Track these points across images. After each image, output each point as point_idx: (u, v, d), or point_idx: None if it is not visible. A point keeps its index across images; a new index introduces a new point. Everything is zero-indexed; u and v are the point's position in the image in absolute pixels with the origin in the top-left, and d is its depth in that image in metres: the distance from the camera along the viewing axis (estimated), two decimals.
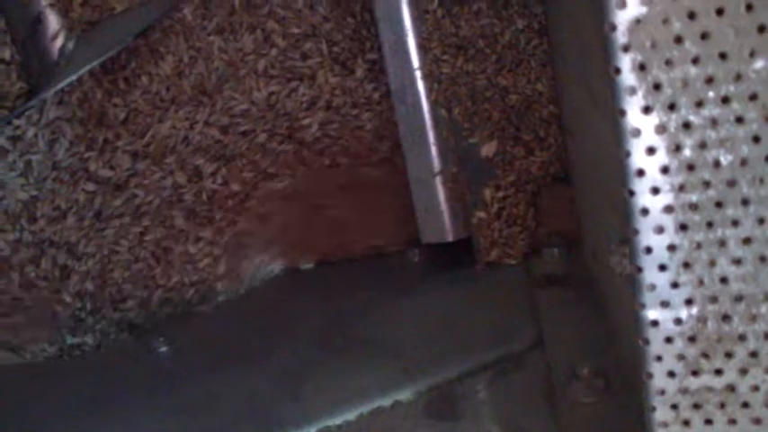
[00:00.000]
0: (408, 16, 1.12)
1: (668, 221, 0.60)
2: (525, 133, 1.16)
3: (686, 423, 0.65)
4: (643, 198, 0.60)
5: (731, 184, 0.59)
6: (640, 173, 0.60)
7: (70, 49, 1.15)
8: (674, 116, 0.58)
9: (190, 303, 1.29)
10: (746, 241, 0.60)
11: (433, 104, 1.16)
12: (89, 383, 1.14)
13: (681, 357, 0.63)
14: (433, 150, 1.18)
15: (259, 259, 1.33)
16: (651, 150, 0.59)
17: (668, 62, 0.57)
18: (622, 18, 0.57)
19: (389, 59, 1.15)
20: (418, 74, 1.15)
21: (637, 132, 0.59)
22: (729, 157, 0.58)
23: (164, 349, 1.19)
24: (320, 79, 1.25)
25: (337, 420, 0.94)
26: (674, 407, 0.64)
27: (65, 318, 1.24)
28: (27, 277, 1.22)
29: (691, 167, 0.59)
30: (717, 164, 0.58)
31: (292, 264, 1.35)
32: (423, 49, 1.14)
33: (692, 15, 0.56)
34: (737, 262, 0.60)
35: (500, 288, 1.15)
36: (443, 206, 1.21)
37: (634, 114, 0.58)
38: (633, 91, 0.58)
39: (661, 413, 0.65)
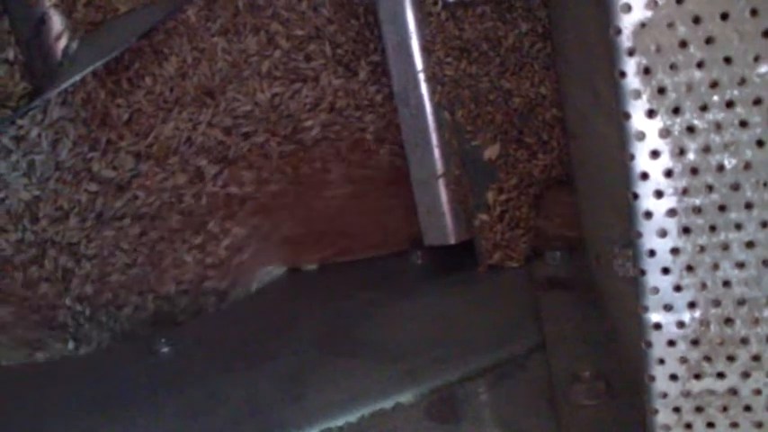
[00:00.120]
0: (412, 18, 1.13)
1: (672, 225, 0.60)
2: (528, 136, 1.16)
3: (688, 426, 0.64)
4: (647, 201, 0.60)
5: (735, 187, 0.59)
6: (644, 176, 0.60)
7: (74, 50, 1.16)
8: (678, 120, 0.58)
9: (184, 311, 1.29)
10: (749, 245, 0.60)
11: (436, 107, 1.16)
12: (90, 384, 1.15)
13: (683, 360, 0.63)
14: (436, 153, 1.18)
15: (260, 261, 1.33)
16: (655, 154, 0.59)
17: (673, 66, 0.57)
18: (627, 22, 0.57)
19: (393, 62, 1.16)
20: (421, 76, 1.15)
21: (641, 135, 0.59)
22: (733, 161, 0.58)
23: (165, 350, 1.19)
24: (323, 81, 1.25)
25: (338, 422, 0.93)
26: (677, 410, 0.64)
27: (65, 320, 1.24)
28: (31, 277, 1.22)
29: (694, 171, 0.59)
30: (720, 168, 0.59)
31: (294, 265, 1.35)
32: (426, 51, 1.14)
33: (696, 20, 0.56)
34: (740, 265, 0.60)
35: (502, 290, 1.15)
36: (446, 208, 1.21)
37: (638, 118, 0.58)
38: (638, 94, 0.58)
39: (663, 416, 0.65)
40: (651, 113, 0.58)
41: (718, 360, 0.62)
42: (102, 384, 1.14)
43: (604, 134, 0.73)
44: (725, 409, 0.63)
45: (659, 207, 0.60)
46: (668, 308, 0.62)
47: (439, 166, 1.19)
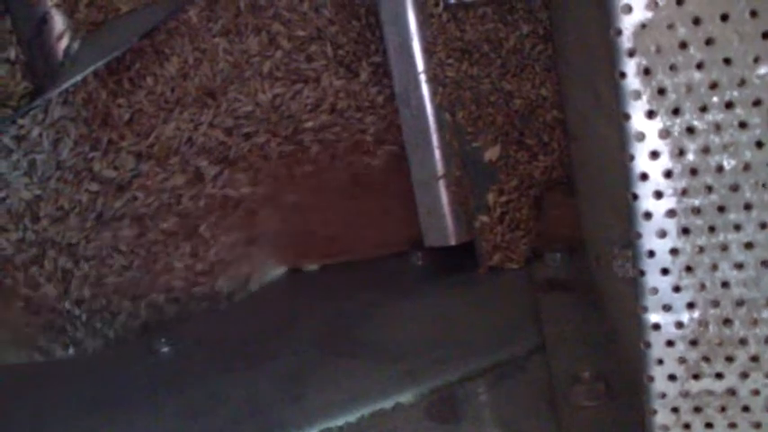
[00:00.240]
0: (413, 20, 1.13)
1: (671, 225, 0.60)
2: (529, 138, 1.16)
3: (687, 426, 0.65)
4: (646, 202, 0.60)
5: (734, 188, 0.59)
6: (644, 177, 0.60)
7: (75, 50, 1.16)
8: (678, 121, 0.58)
9: (178, 314, 1.29)
10: (748, 246, 0.60)
11: (438, 108, 1.16)
12: (90, 383, 1.15)
13: (682, 361, 0.63)
14: (437, 154, 1.18)
15: (260, 262, 1.33)
16: (655, 154, 0.59)
17: (673, 67, 0.57)
18: (628, 23, 0.57)
19: (394, 63, 1.16)
20: (423, 77, 1.15)
21: (641, 136, 0.59)
22: (732, 162, 0.58)
23: (165, 350, 1.19)
24: (324, 82, 1.25)
25: (338, 422, 0.94)
26: (675, 410, 0.64)
27: (64, 324, 1.24)
28: (32, 278, 1.22)
29: (694, 172, 0.59)
30: (720, 169, 0.59)
31: (295, 266, 1.35)
32: (427, 52, 1.14)
33: (696, 21, 0.56)
34: (739, 266, 0.60)
35: (502, 292, 1.15)
36: (446, 210, 1.21)
37: (638, 118, 0.59)
38: (638, 95, 0.58)
39: (662, 416, 0.65)
40: (651, 114, 0.58)
41: (717, 361, 0.62)
42: (102, 384, 1.14)
43: (605, 135, 0.74)
44: (723, 409, 0.63)
45: (659, 208, 0.60)
46: (667, 308, 0.62)
47: (440, 167, 1.19)
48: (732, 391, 0.63)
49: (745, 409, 0.63)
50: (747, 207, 0.59)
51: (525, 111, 1.15)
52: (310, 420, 0.94)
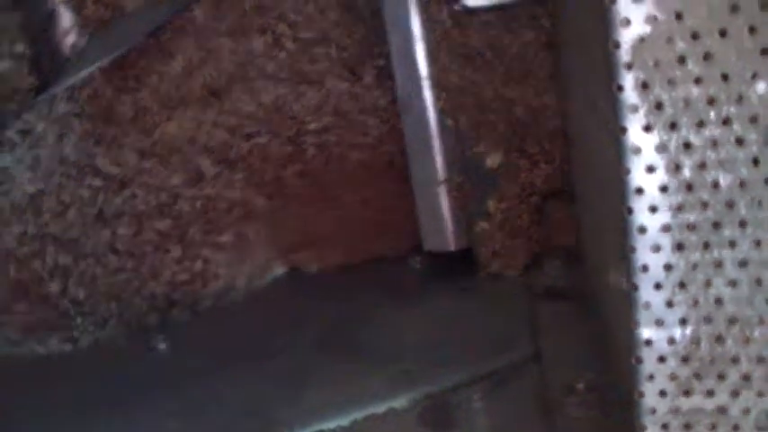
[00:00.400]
0: (417, 24, 1.13)
1: (665, 240, 0.60)
2: (530, 145, 1.16)
3: None
4: (641, 216, 0.60)
5: (729, 205, 0.59)
6: (639, 191, 0.60)
7: (82, 46, 1.16)
8: (674, 136, 0.58)
9: (176, 313, 1.29)
10: (743, 263, 0.60)
11: (440, 113, 1.16)
12: (88, 381, 1.15)
13: (673, 377, 0.63)
14: (438, 159, 1.18)
15: (259, 263, 1.33)
16: (651, 169, 0.59)
17: (670, 81, 0.57)
18: (626, 36, 0.57)
19: (397, 67, 1.16)
20: (425, 82, 1.15)
21: (637, 150, 0.59)
22: (728, 179, 0.58)
23: (163, 347, 1.19)
24: (328, 84, 1.25)
25: (331, 424, 0.94)
26: (665, 427, 0.64)
27: (63, 321, 1.24)
28: (34, 272, 1.22)
29: (689, 187, 0.59)
30: (716, 185, 0.59)
31: (294, 267, 1.35)
32: (431, 57, 1.14)
33: (695, 36, 0.56)
34: (733, 284, 0.60)
35: (500, 299, 1.15)
36: (447, 215, 1.21)
37: (635, 132, 0.58)
38: (635, 109, 0.58)
39: None
40: (648, 128, 0.58)
41: (708, 378, 0.62)
42: (100, 381, 1.14)
43: (602, 147, 0.73)
44: (713, 427, 0.63)
45: (653, 222, 0.60)
46: (659, 324, 0.62)
47: (441, 172, 1.19)
48: (723, 410, 0.63)
49: (736, 428, 0.63)
50: (742, 224, 0.59)
51: (527, 118, 1.15)
52: (303, 422, 0.95)
